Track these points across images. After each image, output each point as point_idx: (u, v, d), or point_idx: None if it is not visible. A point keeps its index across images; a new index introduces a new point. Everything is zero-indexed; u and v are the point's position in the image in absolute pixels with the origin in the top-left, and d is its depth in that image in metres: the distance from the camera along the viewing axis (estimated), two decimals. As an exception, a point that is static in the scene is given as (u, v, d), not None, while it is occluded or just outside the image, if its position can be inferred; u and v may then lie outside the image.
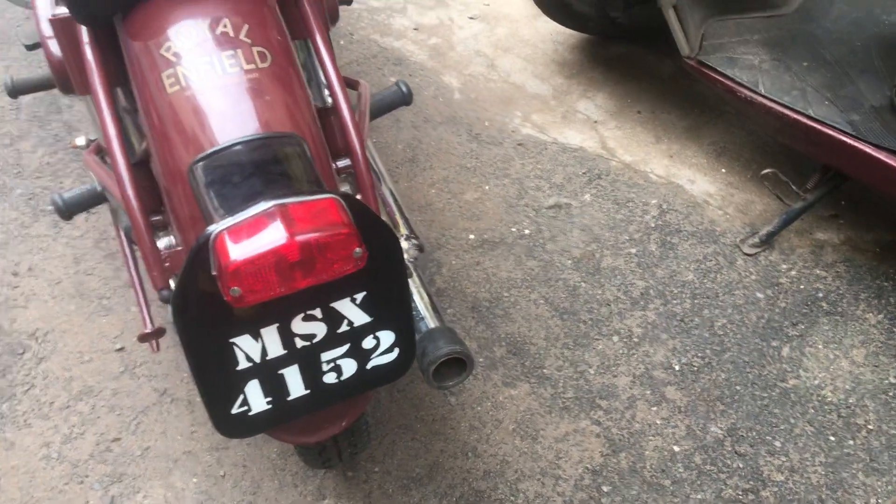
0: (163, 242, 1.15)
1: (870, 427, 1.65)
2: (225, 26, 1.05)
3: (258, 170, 0.96)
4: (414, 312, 1.36)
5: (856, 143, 1.73)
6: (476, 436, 1.65)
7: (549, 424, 1.67)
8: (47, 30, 1.43)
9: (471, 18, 2.71)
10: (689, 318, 1.84)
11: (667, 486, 1.58)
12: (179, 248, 1.10)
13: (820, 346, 1.78)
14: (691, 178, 2.14)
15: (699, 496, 1.56)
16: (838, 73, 1.87)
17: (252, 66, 1.04)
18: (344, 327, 1.02)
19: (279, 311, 0.96)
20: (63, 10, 1.20)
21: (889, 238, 2.00)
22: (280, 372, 1.01)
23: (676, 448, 1.63)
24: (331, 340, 1.02)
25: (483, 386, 1.73)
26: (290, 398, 1.03)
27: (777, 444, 1.63)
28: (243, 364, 0.98)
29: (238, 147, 0.99)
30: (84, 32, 1.14)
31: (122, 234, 1.51)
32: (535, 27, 2.63)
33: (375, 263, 0.99)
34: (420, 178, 2.19)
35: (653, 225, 2.03)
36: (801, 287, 1.89)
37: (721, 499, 1.56)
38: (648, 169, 2.17)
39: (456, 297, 1.89)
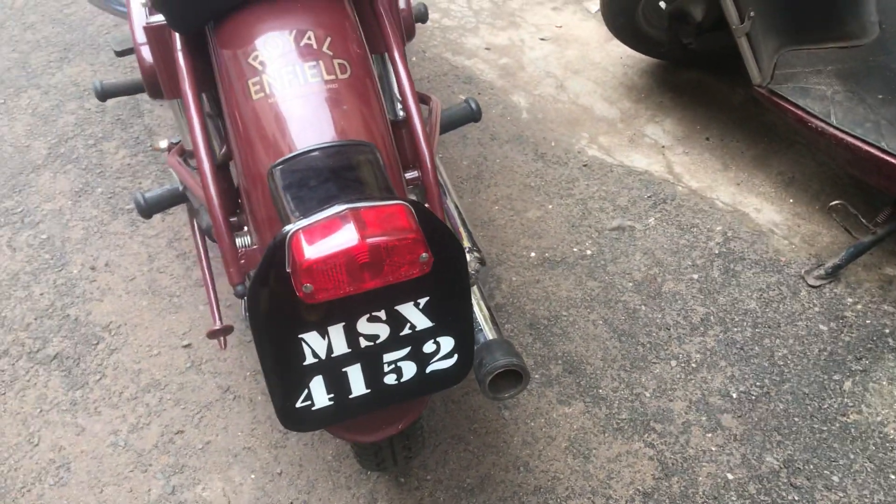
0: (238, 242, 1.21)
1: (933, 468, 1.62)
2: (309, 38, 1.10)
3: (333, 175, 1.00)
4: (473, 323, 1.40)
5: (930, 178, 1.70)
6: (528, 451, 1.67)
7: (601, 444, 1.67)
8: (141, 37, 1.51)
9: (542, 40, 2.74)
10: (749, 346, 1.82)
11: (719, 513, 1.57)
12: (255, 247, 1.15)
13: (884, 383, 1.75)
14: (758, 207, 2.13)
15: (752, 526, 1.55)
16: (914, 107, 1.85)
17: (332, 77, 1.09)
18: (406, 330, 1.05)
19: (346, 311, 1.00)
20: (158, 19, 1.28)
21: (961, 277, 1.95)
22: (343, 370, 1.05)
23: (730, 476, 1.62)
24: (393, 342, 1.05)
25: (537, 402, 1.74)
26: (351, 396, 1.07)
27: (835, 478, 1.60)
28: (310, 360, 1.02)
29: (315, 153, 1.04)
30: (177, 39, 1.21)
31: (198, 233, 1.57)
32: (606, 50, 2.65)
33: (440, 270, 1.02)
34: (484, 195, 2.22)
35: (716, 252, 2.02)
36: (867, 322, 1.85)
37: (774, 530, 1.54)
38: (714, 196, 2.17)
39: (514, 314, 1.91)
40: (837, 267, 1.92)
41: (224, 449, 1.71)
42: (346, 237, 0.90)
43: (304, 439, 1.70)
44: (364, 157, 1.05)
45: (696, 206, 2.14)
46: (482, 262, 1.54)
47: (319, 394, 1.05)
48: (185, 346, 1.89)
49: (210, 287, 1.50)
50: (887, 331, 1.84)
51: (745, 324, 1.87)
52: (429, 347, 1.08)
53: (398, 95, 1.56)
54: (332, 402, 1.07)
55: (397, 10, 1.49)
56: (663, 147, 2.31)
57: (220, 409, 1.77)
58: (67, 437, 1.75)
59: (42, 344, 1.93)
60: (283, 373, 1.02)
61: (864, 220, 1.89)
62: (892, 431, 1.67)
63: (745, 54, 1.93)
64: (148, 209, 1.45)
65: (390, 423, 1.20)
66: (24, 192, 2.33)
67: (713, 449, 1.66)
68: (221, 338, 1.37)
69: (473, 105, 1.77)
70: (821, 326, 1.85)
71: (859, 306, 1.89)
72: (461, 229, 1.59)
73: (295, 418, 1.07)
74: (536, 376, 1.79)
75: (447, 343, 1.09)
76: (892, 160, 1.75)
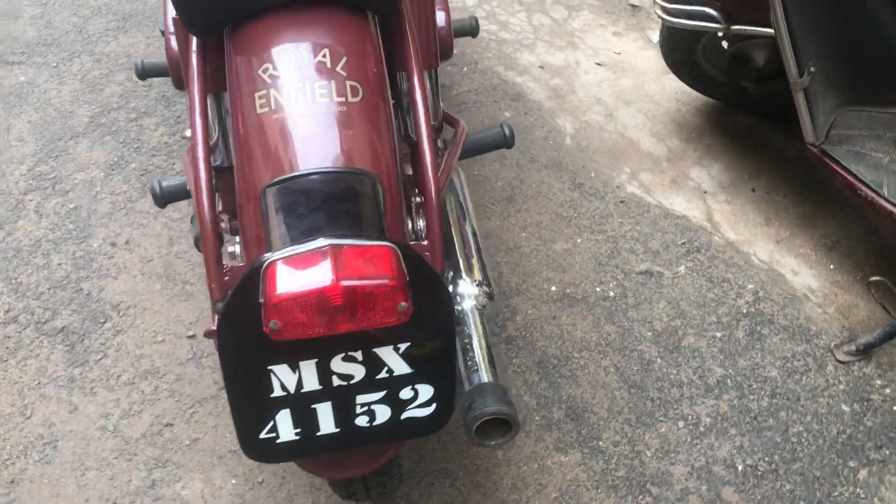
0: (232, 248, 1.17)
1: (941, 577, 1.52)
2: (324, 56, 1.06)
3: (325, 204, 0.96)
4: (469, 363, 1.34)
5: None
6: (516, 496, 1.61)
7: (593, 500, 1.61)
8: (171, 26, 1.48)
9: (598, 64, 2.66)
10: (763, 417, 1.74)
11: (704, 592, 1.49)
12: (241, 265, 1.12)
13: (902, 476, 1.65)
14: (795, 269, 2.03)
15: None
16: (975, 188, 1.74)
17: (342, 99, 1.04)
18: (383, 374, 1.00)
19: (320, 347, 0.96)
20: None
21: None
22: (313, 406, 1.00)
23: (723, 554, 1.54)
24: (368, 384, 1.01)
25: (534, 446, 1.68)
26: (318, 433, 1.03)
27: (833, 573, 1.52)
28: (277, 392, 0.98)
29: (312, 177, 0.99)
30: (193, 39, 1.17)
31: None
32: (662, 83, 2.56)
33: (424, 317, 0.98)
34: (513, 219, 2.16)
35: (744, 311, 1.93)
36: (894, 409, 1.75)
37: None
38: (751, 251, 2.07)
39: (525, 348, 1.85)
40: (870, 345, 1.82)
41: (210, 449, 1.68)
42: (320, 276, 0.86)
43: (290, 450, 1.67)
44: (362, 187, 1.00)
45: (730, 260, 2.05)
46: (490, 296, 1.48)
47: (285, 428, 1.01)
48: (190, 337, 1.88)
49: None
50: (914, 420, 1.74)
51: (762, 392, 1.78)
52: (406, 394, 1.03)
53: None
54: (298, 437, 1.02)
55: (433, 29, 1.44)
56: (706, 192, 2.23)
57: (212, 407, 1.75)
58: (60, 413, 1.74)
59: (51, 315, 1.93)
60: (248, 402, 0.99)
61: (905, 300, 1.79)
62: (902, 530, 1.58)
63: (801, 110, 1.84)
64: (163, 198, 1.43)
65: (361, 462, 1.15)
66: (60, 159, 2.34)
67: (709, 521, 1.58)
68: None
69: (507, 131, 1.71)
70: (843, 406, 1.76)
71: (888, 390, 1.79)
72: (474, 259, 1.53)
73: (257, 449, 1.03)
74: (537, 418, 1.73)
75: (426, 391, 1.04)
76: (943, 243, 1.65)
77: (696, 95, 2.50)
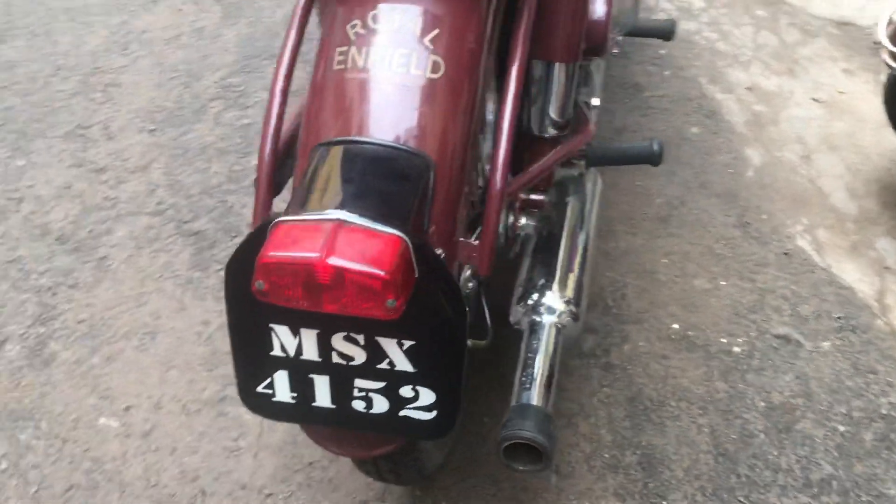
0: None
1: None
2: (415, 24, 1.01)
3: (361, 177, 0.92)
4: (524, 378, 1.27)
5: None
6: (555, 528, 1.52)
7: (635, 560, 1.49)
8: None
9: (814, 100, 2.40)
10: (862, 536, 1.52)
11: None
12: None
13: None
14: (964, 383, 1.74)
15: None
16: None
17: (419, 73, 0.99)
18: (384, 365, 0.96)
19: (322, 320, 0.92)
20: None
21: None
22: (310, 376, 0.98)
23: None
24: (368, 371, 0.97)
25: (592, 483, 1.58)
26: (314, 404, 1.00)
27: None
28: (277, 352, 0.96)
29: (359, 146, 0.96)
30: None
31: None
32: (880, 136, 2.26)
33: (431, 320, 0.92)
34: (660, 242, 2.01)
35: (883, 412, 1.69)
36: None
37: None
38: (919, 348, 1.80)
39: (621, 380, 1.73)
40: None
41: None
42: (311, 248, 0.82)
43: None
44: (411, 169, 0.95)
45: (887, 351, 1.79)
46: (575, 318, 1.39)
47: (282, 389, 1.00)
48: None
49: None
50: None
51: (871, 508, 1.55)
52: (406, 392, 0.98)
53: (549, 110, 1.43)
54: (294, 402, 1.01)
55: (580, 20, 1.32)
56: (886, 268, 1.95)
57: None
58: (168, 309, 1.85)
59: (193, 217, 2.05)
60: (248, 353, 0.98)
61: None
62: None
63: None
64: None
65: (360, 445, 1.12)
66: (252, 75, 2.46)
67: None
68: None
69: (656, 147, 1.59)
70: (964, 555, 1.50)
71: None
72: (573, 275, 1.44)
73: (254, 400, 1.02)
74: (606, 455, 1.61)
75: (427, 396, 0.98)
76: None
77: (914, 158, 2.20)
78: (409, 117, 0.98)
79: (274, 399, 1.01)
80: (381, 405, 0.99)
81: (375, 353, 0.95)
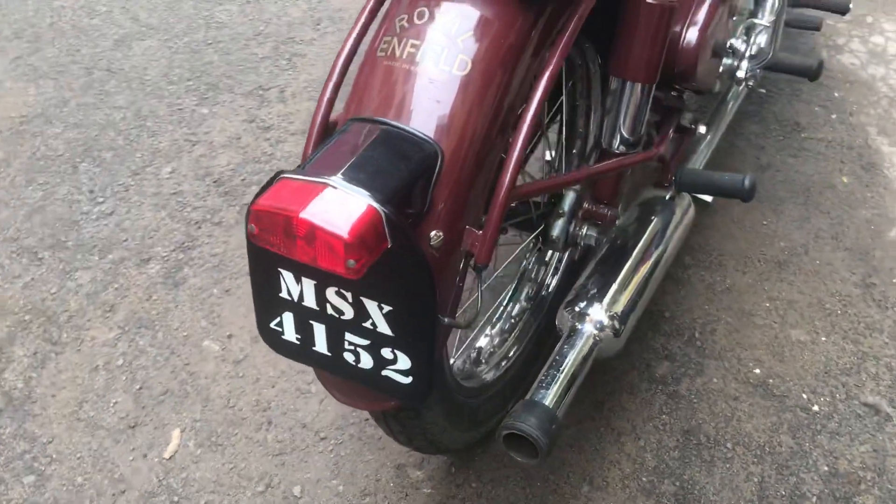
0: None
1: None
2: (454, 25, 1.09)
3: (367, 151, 1.01)
4: (545, 377, 1.33)
5: None
6: (572, 534, 1.55)
7: (641, 584, 1.49)
8: None
9: None
10: None
11: None
12: None
13: None
14: None
15: None
16: None
17: (446, 69, 1.07)
18: (368, 324, 1.06)
19: (319, 272, 1.02)
20: None
21: None
22: (310, 322, 1.09)
23: None
24: (355, 327, 1.07)
25: (623, 501, 1.59)
26: (314, 348, 1.12)
27: None
28: (284, 294, 1.08)
29: (378, 125, 1.05)
30: None
31: None
32: None
33: (406, 292, 1.01)
34: (768, 285, 1.95)
35: (960, 508, 1.56)
36: None
37: None
38: None
39: (682, 410, 1.72)
40: None
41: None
42: (295, 204, 0.93)
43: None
44: (415, 153, 1.03)
45: None
46: (616, 334, 1.42)
47: (289, 328, 1.12)
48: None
49: None
50: None
51: None
52: (386, 354, 1.08)
53: (620, 126, 1.45)
54: (298, 343, 1.13)
55: (661, 41, 1.33)
56: None
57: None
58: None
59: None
60: (263, 292, 1.11)
61: None
62: None
63: None
64: None
65: (362, 399, 1.22)
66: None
67: None
68: None
69: (747, 183, 1.57)
70: None
71: None
72: (626, 294, 1.46)
73: (268, 334, 1.15)
74: (644, 479, 1.62)
75: (404, 361, 1.07)
76: None
77: None
78: (428, 107, 1.07)
79: (283, 337, 1.14)
80: (367, 361, 1.09)
81: (360, 312, 1.05)
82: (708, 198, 2.04)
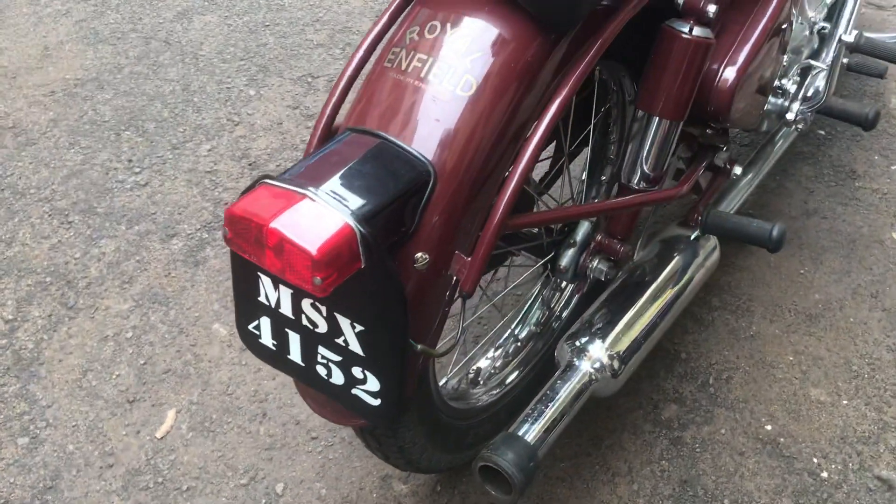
0: None
1: None
2: (462, 43, 1.05)
3: (355, 164, 0.98)
4: (532, 410, 1.29)
5: None
6: (549, 571, 1.51)
7: None
8: None
9: None
10: None
11: None
12: None
13: None
14: None
15: None
16: None
17: (449, 88, 1.03)
18: (340, 341, 1.03)
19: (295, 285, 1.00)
20: None
21: None
22: (286, 330, 1.08)
23: None
24: (328, 342, 1.05)
25: (604, 544, 1.54)
26: (289, 356, 1.10)
27: None
28: (262, 299, 1.07)
29: (371, 137, 1.03)
30: None
31: None
32: None
33: (377, 314, 0.98)
34: (794, 338, 1.87)
35: None
36: None
37: None
38: None
39: (683, 458, 1.65)
40: None
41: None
42: (268, 212, 0.91)
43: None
44: (405, 171, 1.00)
45: None
46: (615, 374, 1.38)
47: (266, 333, 1.11)
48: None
49: None
50: None
51: None
52: (357, 373, 1.05)
53: (642, 161, 1.39)
54: (274, 348, 1.11)
55: (693, 78, 1.26)
56: None
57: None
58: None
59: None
60: (243, 293, 1.10)
61: None
62: None
63: None
64: None
65: (335, 413, 1.20)
66: None
67: None
68: None
69: (776, 234, 1.50)
70: None
71: None
72: (629, 335, 1.41)
73: (245, 337, 1.14)
74: (632, 525, 1.56)
75: (373, 382, 1.05)
76: None
77: None
78: (427, 126, 1.03)
79: (260, 340, 1.12)
80: (338, 377, 1.07)
81: (334, 327, 1.03)
82: None
